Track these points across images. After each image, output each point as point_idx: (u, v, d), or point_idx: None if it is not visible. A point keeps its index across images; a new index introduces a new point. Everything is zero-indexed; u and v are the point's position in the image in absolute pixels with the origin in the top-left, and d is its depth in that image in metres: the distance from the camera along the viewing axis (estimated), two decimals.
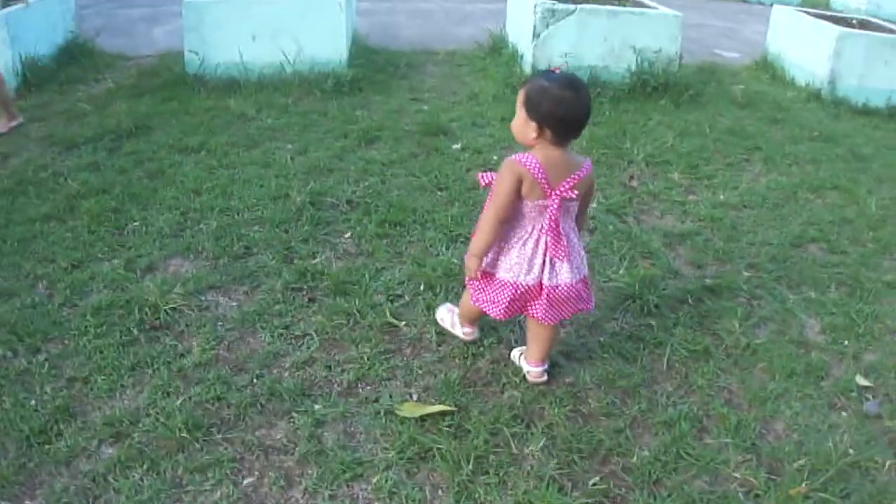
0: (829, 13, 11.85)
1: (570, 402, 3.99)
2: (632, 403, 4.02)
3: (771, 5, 16.28)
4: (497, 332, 4.48)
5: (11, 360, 4.23)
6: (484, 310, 4.00)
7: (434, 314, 4.60)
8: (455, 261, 5.13)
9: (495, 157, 6.87)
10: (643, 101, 8.78)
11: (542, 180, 3.66)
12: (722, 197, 6.49)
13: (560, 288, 3.84)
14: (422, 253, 5.30)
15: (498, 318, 3.96)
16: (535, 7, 8.96)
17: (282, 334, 4.43)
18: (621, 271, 5.16)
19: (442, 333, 4.46)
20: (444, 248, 5.36)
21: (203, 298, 4.77)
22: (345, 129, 7.51)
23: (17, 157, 6.92)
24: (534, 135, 3.69)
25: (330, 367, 4.17)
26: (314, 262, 5.15)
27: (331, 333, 4.44)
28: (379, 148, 7.13)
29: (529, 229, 3.80)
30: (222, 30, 8.93)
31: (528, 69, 9.06)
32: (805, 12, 10.78)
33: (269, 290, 4.84)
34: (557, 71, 3.77)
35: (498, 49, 10.43)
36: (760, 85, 10.24)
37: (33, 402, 3.90)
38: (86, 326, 4.46)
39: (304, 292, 4.83)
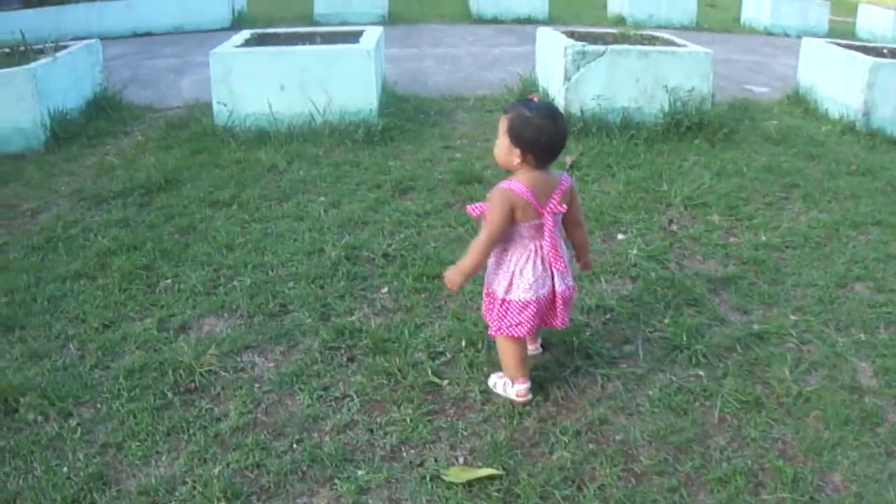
0: (858, 43, 11.75)
1: (621, 460, 3.84)
2: (685, 460, 3.86)
3: (797, 37, 16.30)
4: (543, 389, 4.34)
5: (43, 424, 4.14)
6: (509, 334, 4.19)
7: (485, 378, 4.48)
8: None
9: None
10: (678, 141, 8.66)
11: (533, 202, 4.02)
12: (763, 238, 6.34)
13: (567, 290, 4.23)
14: (461, 307, 5.17)
15: (523, 334, 4.21)
16: (565, 49, 8.88)
17: (321, 396, 4.31)
18: (666, 320, 5.02)
19: (486, 392, 4.34)
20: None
21: (239, 359, 4.67)
22: (378, 180, 7.41)
23: (47, 213, 6.89)
24: (517, 160, 4.04)
25: (372, 429, 4.05)
26: (352, 319, 5.04)
27: (371, 394, 4.31)
28: (413, 198, 7.03)
29: (532, 248, 4.13)
30: (250, 80, 8.88)
31: None
32: (835, 43, 10.63)
33: (306, 349, 4.73)
34: (536, 99, 4.15)
35: (528, 93, 10.29)
36: (794, 120, 10.11)
37: (65, 469, 3.80)
38: (119, 389, 4.37)
39: (343, 351, 4.72)
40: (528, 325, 4.16)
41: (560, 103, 8.98)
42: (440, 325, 4.97)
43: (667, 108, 8.92)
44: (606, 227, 6.41)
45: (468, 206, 4.26)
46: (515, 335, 4.19)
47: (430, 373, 4.47)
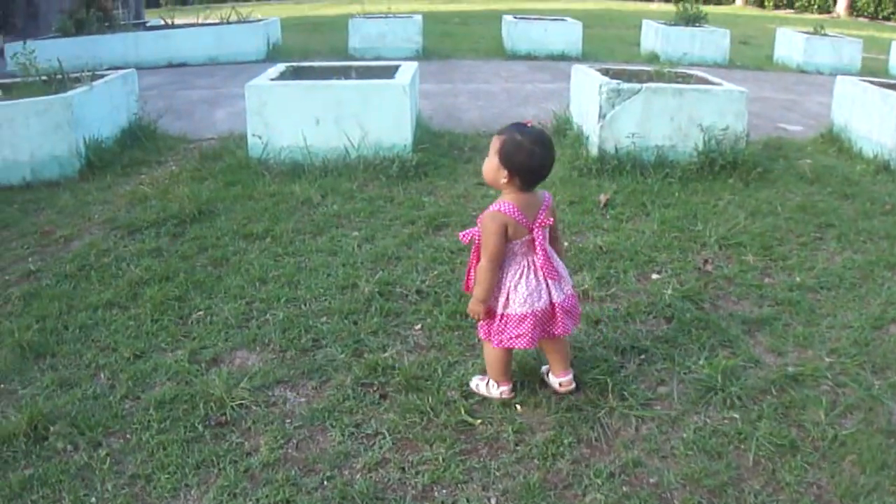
0: (893, 81, 11.65)
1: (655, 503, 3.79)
2: None
3: (830, 75, 16.23)
4: (577, 431, 4.30)
5: (72, 454, 4.14)
6: (512, 346, 4.43)
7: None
8: (531, 354, 4.94)
9: (566, 244, 6.69)
10: (712, 180, 8.61)
11: (522, 220, 4.29)
12: (798, 278, 6.28)
13: (566, 299, 4.46)
14: None
15: (526, 347, 4.43)
16: (600, 87, 8.86)
17: (352, 433, 4.27)
18: (701, 361, 4.97)
19: (519, 432, 4.28)
20: None
21: (270, 394, 4.64)
22: (412, 216, 7.40)
23: (80, 241, 6.93)
24: (504, 180, 4.32)
25: (403, 468, 4.00)
26: (385, 355, 5.00)
27: (404, 432, 4.27)
28: (447, 235, 7.00)
29: (525, 264, 4.38)
30: (286, 113, 8.90)
31: (594, 150, 8.94)
32: (869, 82, 10.57)
33: (338, 385, 4.70)
34: (529, 125, 4.37)
35: (562, 130, 10.30)
36: (828, 158, 10.04)
37: (94, 499, 3.80)
38: (149, 421, 4.36)
39: (375, 388, 4.68)
40: (528, 337, 4.36)
41: (594, 141, 8.98)
42: (473, 363, 4.93)
43: (701, 147, 8.87)
44: (641, 267, 6.37)
45: (460, 234, 4.54)
46: (518, 347, 4.42)
47: (462, 412, 4.43)
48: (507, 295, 4.38)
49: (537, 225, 4.33)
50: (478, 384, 4.69)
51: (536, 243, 4.33)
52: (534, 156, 4.24)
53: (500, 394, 4.60)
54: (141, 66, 15.43)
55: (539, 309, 4.35)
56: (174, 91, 14.56)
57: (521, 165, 4.25)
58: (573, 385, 4.63)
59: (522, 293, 4.35)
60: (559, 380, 4.64)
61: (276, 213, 7.48)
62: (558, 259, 4.55)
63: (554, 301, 4.40)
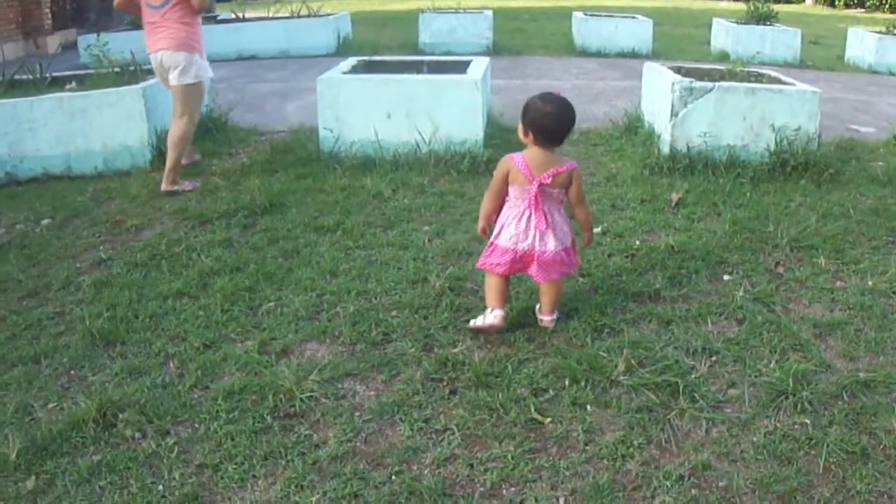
0: None
1: None
2: None
3: None
4: (646, 431, 4.26)
5: (140, 441, 4.18)
6: (490, 269, 5.23)
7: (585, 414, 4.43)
8: (602, 353, 4.94)
9: (637, 242, 6.70)
10: (783, 181, 8.51)
11: (525, 171, 5.05)
12: (870, 283, 6.17)
13: (547, 253, 5.13)
14: (565, 344, 5.10)
15: (500, 273, 5.19)
16: (672, 85, 8.80)
17: (422, 428, 4.26)
18: (772, 365, 4.90)
19: (589, 431, 4.26)
20: (588, 339, 5.15)
21: (340, 386, 4.65)
22: None
23: (151, 230, 7.00)
24: (522, 135, 5.18)
25: (472, 465, 3.99)
26: (455, 351, 4.99)
27: (473, 429, 4.25)
28: None
29: (522, 209, 5.13)
30: (357, 107, 8.94)
31: (665, 149, 8.88)
32: None
33: (408, 379, 4.70)
34: (557, 94, 5.16)
35: (633, 128, 10.26)
36: None
37: (161, 487, 3.84)
38: (217, 410, 4.39)
39: (445, 383, 4.67)
40: (505, 268, 5.17)
41: (666, 139, 8.92)
42: (544, 361, 4.90)
43: (773, 147, 8.78)
44: (713, 268, 6.31)
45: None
46: (494, 272, 5.21)
47: (532, 409, 4.40)
48: (501, 228, 5.21)
49: (536, 180, 5.04)
50: (475, 321, 5.29)
51: (529, 194, 5.07)
52: (545, 116, 5.01)
53: (494, 318, 5.19)
54: (211, 59, 15.34)
55: (520, 249, 5.12)
56: (245, 84, 14.64)
57: (533, 123, 5.05)
58: (552, 325, 5.32)
59: (510, 231, 5.14)
60: (542, 317, 5.38)
61: (347, 207, 7.50)
62: (562, 219, 5.23)
63: (535, 250, 5.12)
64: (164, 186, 8.19)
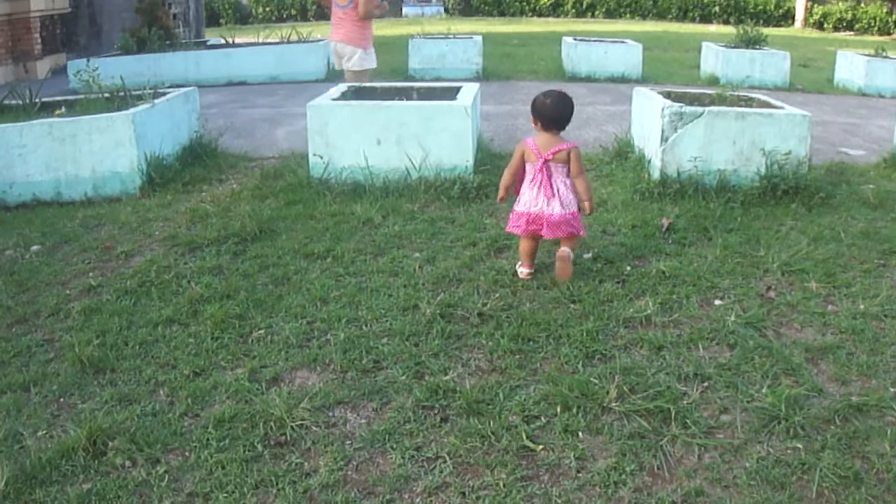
0: None
1: None
2: None
3: (892, 98, 16.05)
4: (638, 458, 4.25)
5: (130, 469, 4.15)
6: (513, 231, 6.57)
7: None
8: (594, 380, 4.92)
9: (628, 268, 6.71)
10: (774, 205, 8.52)
11: (535, 150, 6.41)
12: (862, 306, 6.17)
13: (554, 216, 6.34)
14: (556, 370, 5.09)
15: (521, 234, 6.51)
16: (662, 110, 8.80)
17: (413, 456, 4.24)
18: (764, 390, 4.90)
19: (581, 458, 4.24)
20: (579, 366, 5.15)
21: (331, 414, 4.63)
22: (473, 237, 7.38)
23: (141, 257, 6.97)
24: (533, 124, 6.57)
25: (464, 493, 3.96)
26: (446, 378, 4.97)
27: (464, 456, 4.23)
28: (508, 257, 6.96)
29: (535, 180, 6.42)
30: (347, 133, 8.91)
31: (656, 174, 8.88)
32: None
33: (399, 407, 4.67)
34: (558, 91, 6.64)
35: (624, 153, 10.25)
36: (891, 184, 9.86)
37: None
38: (208, 439, 4.37)
39: (436, 411, 4.65)
40: (523, 229, 6.44)
41: (656, 164, 8.93)
42: (535, 388, 4.88)
43: (763, 171, 8.79)
44: (703, 293, 6.30)
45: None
46: (516, 233, 6.58)
47: (524, 437, 4.39)
48: (520, 197, 6.53)
49: (542, 157, 6.36)
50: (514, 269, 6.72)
51: (537, 168, 6.38)
52: (545, 106, 6.44)
53: (521, 272, 6.61)
54: (201, 85, 15.51)
55: (532, 213, 6.39)
56: (235, 109, 14.64)
57: (537, 111, 6.49)
58: (568, 257, 6.45)
59: (525, 198, 6.47)
60: (562, 249, 6.47)
61: (338, 233, 7.48)
62: (566, 189, 6.43)
63: (544, 213, 6.35)
64: None
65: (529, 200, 6.43)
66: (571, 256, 6.49)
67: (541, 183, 6.39)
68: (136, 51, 17.92)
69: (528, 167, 6.51)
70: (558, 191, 6.38)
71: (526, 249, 6.58)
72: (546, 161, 6.36)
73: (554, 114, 6.46)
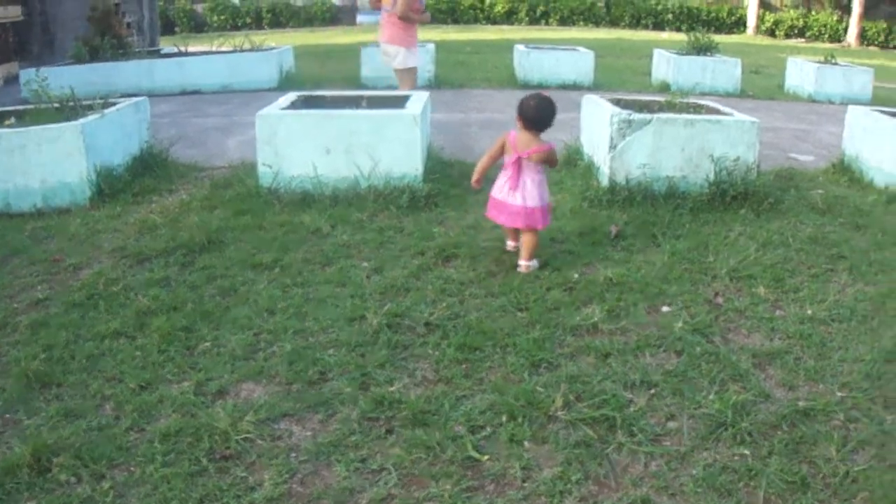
0: None
1: None
2: None
3: (841, 104, 16.18)
4: (584, 467, 4.26)
5: (75, 486, 4.11)
6: (487, 216, 7.20)
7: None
8: (540, 388, 4.93)
9: (576, 275, 6.72)
10: (723, 211, 8.57)
11: (513, 145, 6.92)
12: (809, 311, 6.24)
13: (513, 206, 6.88)
14: (503, 380, 5.09)
15: (491, 217, 7.15)
16: (611, 118, 8.83)
17: (358, 468, 4.23)
18: (711, 396, 4.93)
19: (527, 468, 4.24)
20: (526, 375, 5.15)
21: (276, 427, 4.60)
22: (421, 247, 7.35)
23: (89, 269, 6.89)
24: (517, 121, 7.01)
25: None
26: (391, 389, 4.95)
27: (409, 468, 4.23)
28: (456, 266, 6.97)
29: (509, 171, 6.92)
30: (296, 143, 8.86)
31: (605, 181, 8.91)
32: (880, 111, 10.52)
33: (344, 419, 4.65)
34: (542, 94, 7.19)
35: (573, 161, 10.27)
36: (839, 189, 9.97)
37: None
38: (153, 453, 4.32)
39: (382, 422, 4.63)
40: (493, 213, 7.07)
41: (605, 172, 8.96)
42: (481, 397, 4.88)
43: (712, 178, 8.83)
44: (651, 299, 6.33)
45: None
46: (489, 217, 7.21)
47: (469, 447, 4.38)
48: (495, 184, 7.04)
49: (517, 153, 6.86)
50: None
51: (511, 161, 6.90)
52: (528, 108, 6.92)
53: (508, 246, 7.34)
54: (155, 94, 15.45)
55: (497, 199, 6.97)
56: (187, 118, 14.55)
57: (520, 111, 6.97)
58: (526, 270, 6.88)
59: (497, 187, 7.01)
60: (519, 262, 6.95)
61: (286, 243, 7.43)
62: (534, 184, 6.90)
63: (506, 201, 6.90)
64: None
65: (498, 187, 6.99)
66: (533, 242, 6.97)
67: (510, 175, 6.88)
68: (89, 60, 17.71)
69: (505, 157, 7.02)
70: (524, 185, 6.85)
71: (507, 230, 7.29)
72: (520, 158, 6.84)
73: (534, 115, 6.92)
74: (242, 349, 5.47)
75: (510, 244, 7.31)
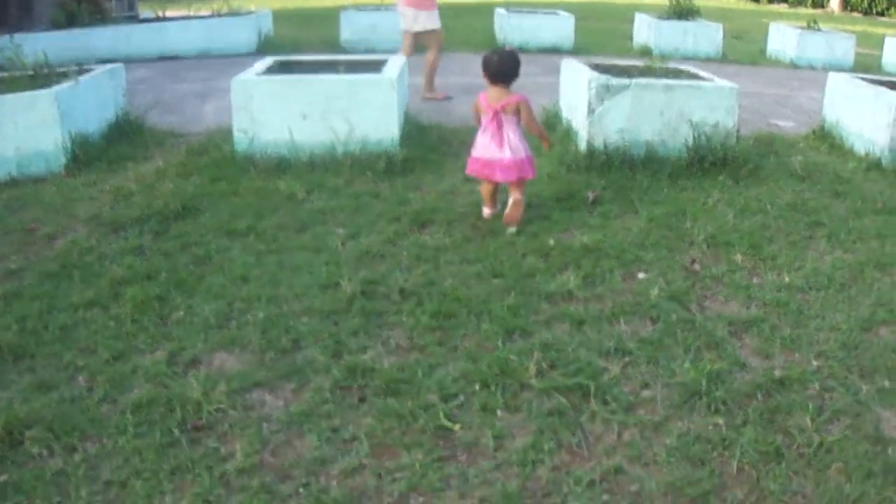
0: (885, 78, 11.57)
1: None
2: None
3: (823, 70, 16.19)
4: (557, 436, 4.24)
5: (47, 459, 4.07)
6: (470, 174, 7.34)
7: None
8: (513, 356, 4.90)
9: (552, 241, 6.69)
10: (701, 177, 8.54)
11: (485, 103, 7.13)
12: (787, 279, 6.22)
13: (504, 160, 7.02)
14: (476, 347, 5.07)
15: (476, 177, 7.35)
16: (589, 83, 8.79)
17: (329, 438, 4.20)
18: (686, 365, 4.91)
19: (499, 437, 4.23)
20: (500, 342, 5.12)
21: (248, 397, 4.57)
22: (397, 212, 7.32)
23: (64, 238, 6.84)
24: (483, 77, 7.20)
25: (380, 475, 3.94)
26: (365, 357, 4.93)
27: (381, 437, 4.20)
28: (432, 232, 6.94)
29: (488, 129, 7.08)
30: (272, 108, 8.81)
31: (583, 146, 8.88)
32: (861, 78, 10.50)
33: (317, 388, 4.62)
34: (507, 48, 7.95)
35: (552, 125, 10.20)
36: (819, 155, 9.96)
37: None
38: (125, 425, 4.28)
39: (354, 391, 4.60)
40: (478, 172, 7.20)
41: (583, 137, 8.95)
42: (454, 365, 4.86)
43: (691, 143, 8.80)
44: (627, 266, 6.31)
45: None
46: (473, 175, 7.35)
47: (442, 416, 4.36)
48: (475, 144, 7.21)
49: (492, 109, 7.01)
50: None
51: (489, 119, 7.04)
52: (491, 62, 7.11)
53: (484, 212, 7.34)
54: (133, 60, 15.39)
55: (485, 157, 7.09)
56: (165, 84, 14.45)
57: (485, 66, 7.15)
58: (513, 229, 7.02)
59: (478, 145, 7.17)
60: (507, 223, 7.09)
61: (261, 210, 7.39)
62: (516, 136, 7.10)
63: (495, 158, 7.03)
64: (425, 94, 13.00)
65: (482, 147, 7.11)
66: (523, 202, 7.16)
67: (492, 132, 7.03)
68: (67, 26, 17.58)
69: (482, 118, 7.17)
70: (508, 139, 7.03)
71: (485, 192, 7.32)
72: (497, 112, 7.00)
73: (500, 68, 7.08)
74: (216, 318, 5.43)
75: (487, 211, 7.33)
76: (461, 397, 4.56)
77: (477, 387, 4.63)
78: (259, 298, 5.68)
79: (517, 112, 7.14)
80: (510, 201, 7.10)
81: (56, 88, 8.80)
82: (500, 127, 7.03)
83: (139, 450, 4.10)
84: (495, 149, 7.02)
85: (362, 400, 4.53)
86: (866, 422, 4.47)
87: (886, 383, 4.87)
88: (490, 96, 7.13)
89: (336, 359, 4.94)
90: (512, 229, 7.01)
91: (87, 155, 8.93)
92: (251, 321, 5.39)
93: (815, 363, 5.06)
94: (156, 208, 7.33)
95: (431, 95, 13.10)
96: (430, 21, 12.89)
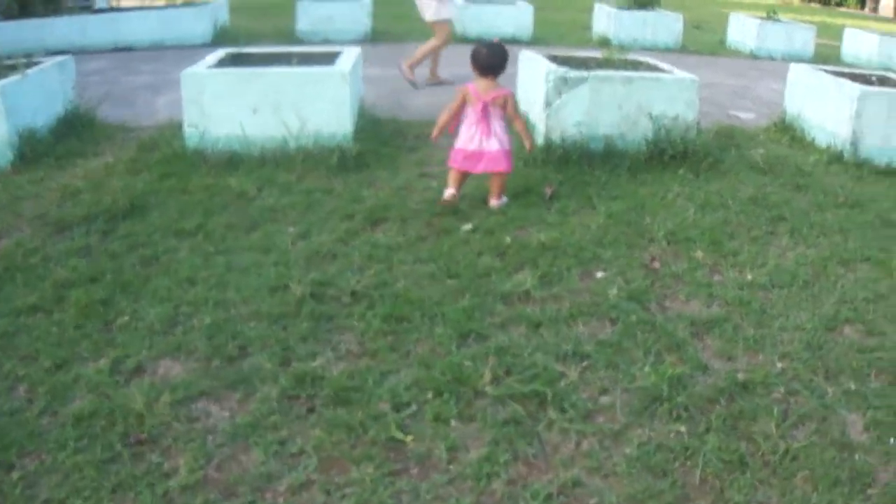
0: (847, 70, 11.57)
1: None
2: None
3: (783, 60, 16.20)
4: (512, 447, 4.12)
5: None
6: (451, 165, 7.38)
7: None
8: (468, 362, 4.78)
9: (508, 239, 6.58)
10: (661, 170, 8.47)
11: (475, 94, 7.26)
12: (749, 276, 6.14)
13: (491, 152, 7.25)
14: (430, 353, 4.93)
15: (453, 166, 7.37)
16: (547, 75, 8.70)
17: (276, 451, 4.05)
18: (646, 369, 4.80)
19: (453, 449, 4.10)
20: (454, 347, 4.99)
21: (193, 407, 4.41)
22: (350, 210, 7.19)
23: (8, 239, 6.64)
24: (472, 69, 7.40)
25: (328, 491, 3.79)
26: (314, 364, 4.77)
27: (330, 450, 4.06)
28: (385, 230, 6.80)
29: (473, 121, 7.28)
30: (223, 102, 8.66)
31: (540, 140, 8.78)
32: (823, 70, 10.48)
33: (264, 398, 4.46)
34: (495, 41, 7.60)
35: (509, 118, 10.09)
36: (780, 148, 9.93)
37: None
38: (66, 439, 4.11)
39: (302, 401, 4.45)
40: (459, 163, 7.32)
41: (541, 130, 8.85)
42: (406, 372, 4.72)
43: (650, 136, 8.72)
44: (585, 264, 6.20)
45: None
46: (453, 166, 7.38)
47: (393, 427, 4.22)
48: (459, 136, 7.37)
49: (482, 99, 7.21)
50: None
51: (478, 110, 7.24)
52: (480, 55, 7.33)
53: (447, 194, 7.30)
54: (87, 50, 15.25)
55: (470, 149, 7.27)
56: (118, 76, 14.25)
57: (474, 59, 7.37)
58: (497, 207, 7.40)
59: (462, 137, 7.32)
60: (491, 201, 7.44)
61: (210, 208, 7.23)
62: (501, 130, 7.34)
63: (483, 149, 7.25)
64: (404, 66, 13.37)
65: (467, 139, 7.27)
66: (498, 206, 7.43)
67: (479, 123, 7.24)
68: (19, 16, 17.33)
69: (469, 109, 7.34)
70: (495, 131, 7.27)
71: (453, 175, 7.39)
72: (486, 104, 7.22)
73: (489, 61, 7.30)
74: (161, 323, 5.26)
75: (450, 192, 7.34)
76: (413, 406, 4.43)
77: (430, 395, 4.51)
78: (206, 302, 5.52)
79: (503, 105, 7.36)
80: (491, 181, 7.47)
81: (2, 82, 8.60)
82: (487, 118, 7.23)
83: (79, 466, 3.93)
84: (483, 140, 7.23)
85: (311, 410, 4.39)
86: (832, 426, 4.39)
87: (852, 385, 4.79)
88: (480, 87, 7.31)
89: (284, 366, 4.79)
90: (496, 205, 7.42)
91: (34, 151, 8.73)
92: (197, 326, 5.23)
93: (779, 365, 4.97)
94: (103, 206, 7.14)
95: (407, 72, 13.33)
96: (442, 10, 13.37)
